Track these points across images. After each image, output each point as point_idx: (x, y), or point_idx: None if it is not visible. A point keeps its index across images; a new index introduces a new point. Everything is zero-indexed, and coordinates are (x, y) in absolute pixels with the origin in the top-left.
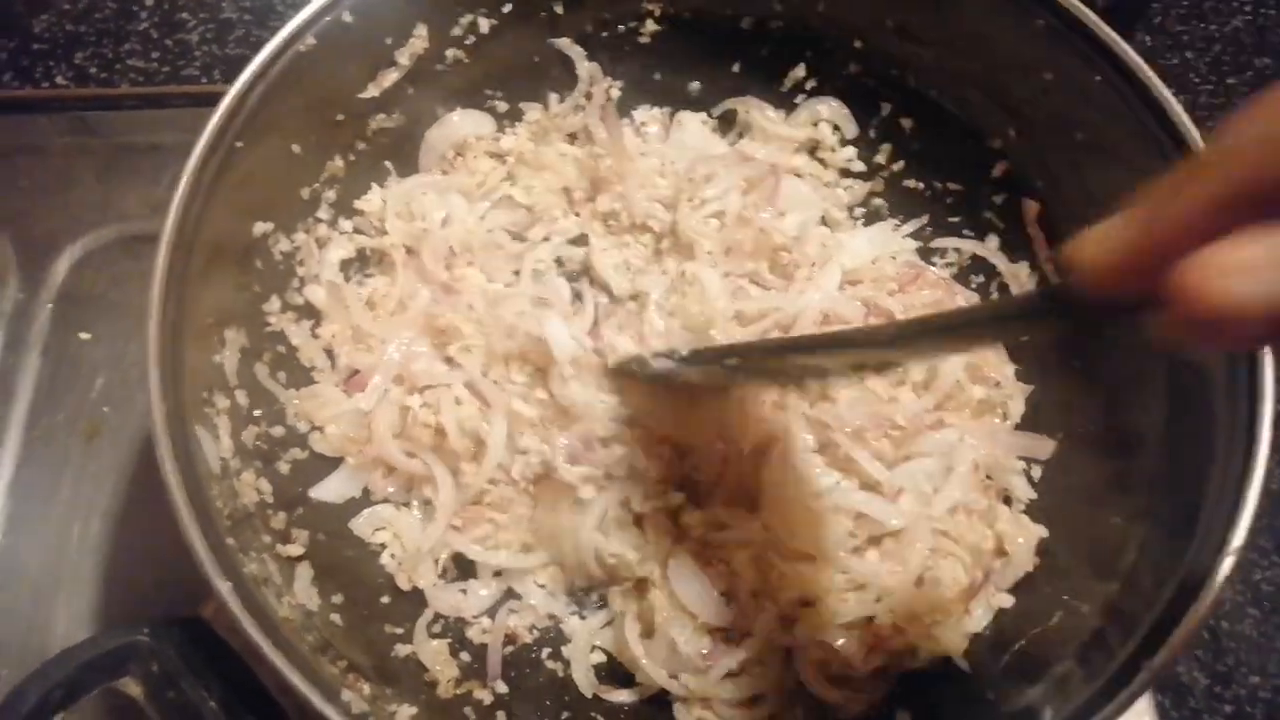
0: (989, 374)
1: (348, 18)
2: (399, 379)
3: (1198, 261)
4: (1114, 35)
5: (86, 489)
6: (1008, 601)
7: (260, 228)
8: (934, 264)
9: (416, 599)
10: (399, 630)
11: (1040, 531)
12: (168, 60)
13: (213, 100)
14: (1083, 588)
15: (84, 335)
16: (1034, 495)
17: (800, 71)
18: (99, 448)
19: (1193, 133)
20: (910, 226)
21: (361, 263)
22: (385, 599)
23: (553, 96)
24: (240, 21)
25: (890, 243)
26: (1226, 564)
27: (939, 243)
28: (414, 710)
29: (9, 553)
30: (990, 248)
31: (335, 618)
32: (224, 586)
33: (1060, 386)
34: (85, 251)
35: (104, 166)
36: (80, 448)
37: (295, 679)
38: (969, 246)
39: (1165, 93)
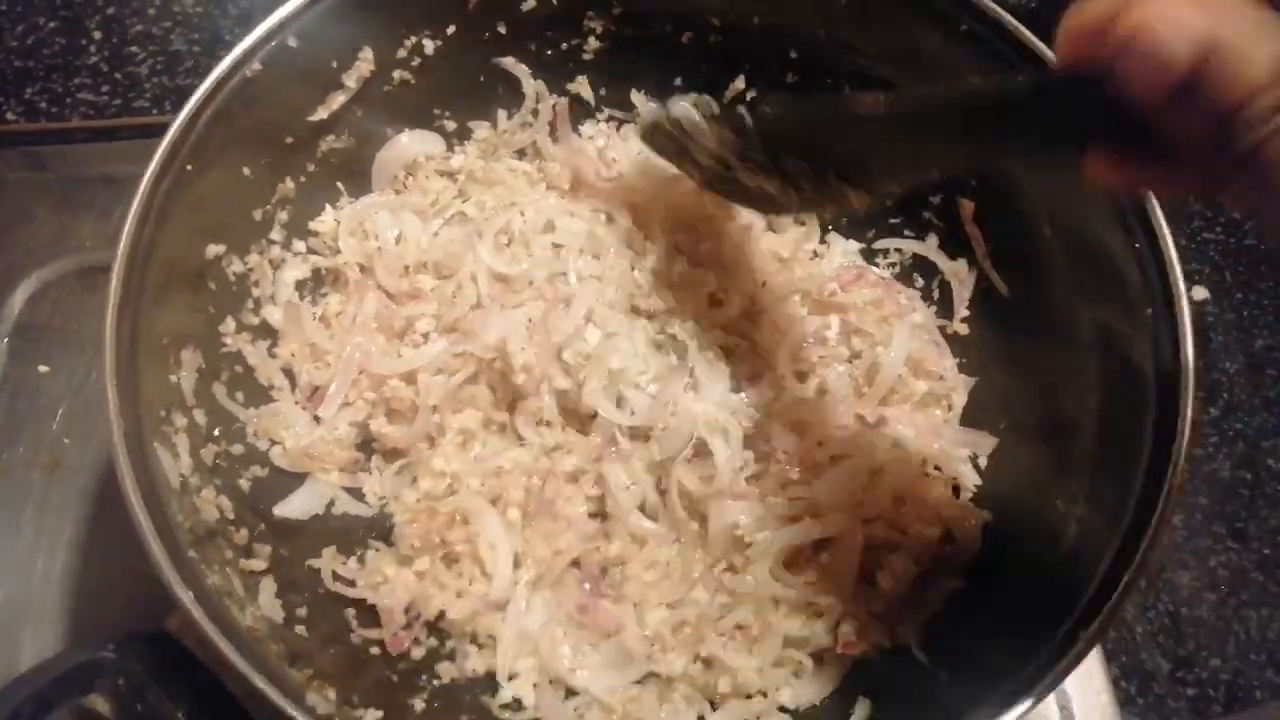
0: (930, 368)
1: (293, 42)
2: (358, 381)
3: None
4: (1032, 37)
5: (49, 520)
6: (957, 584)
7: (213, 250)
8: (877, 264)
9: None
10: (364, 638)
11: (985, 516)
12: (118, 93)
13: (164, 131)
14: (1028, 567)
15: (42, 368)
16: (980, 482)
17: (740, 83)
18: (61, 479)
19: None
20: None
21: (316, 282)
22: (350, 611)
23: (501, 114)
24: (189, 53)
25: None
26: (1152, 540)
27: (881, 243)
28: (380, 714)
29: None
30: (930, 246)
31: (300, 630)
32: (187, 596)
33: (1001, 379)
34: (41, 284)
35: (57, 200)
36: (42, 480)
37: (260, 683)
38: (910, 246)
39: None
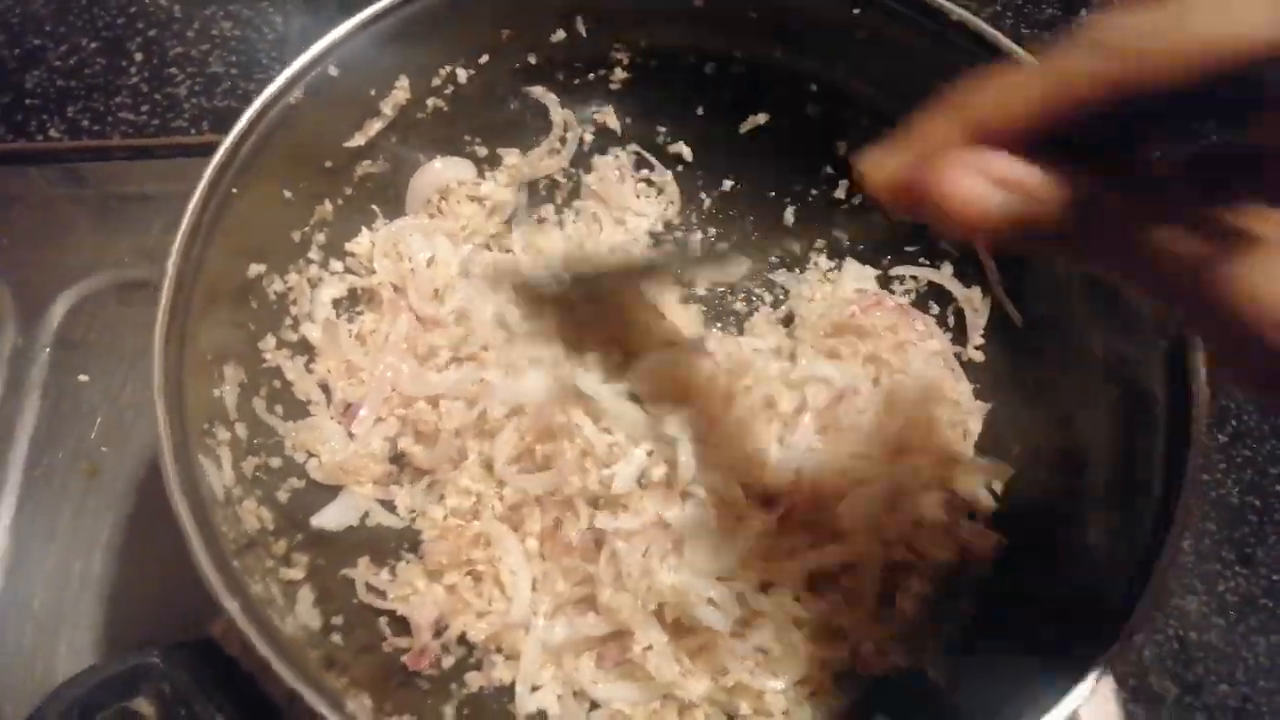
0: (946, 394)
1: (334, 71)
2: (390, 398)
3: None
4: None
5: (86, 526)
6: (971, 608)
7: (255, 269)
8: (892, 290)
9: None
10: (396, 647)
11: (999, 539)
12: (157, 113)
13: (202, 151)
14: (1040, 591)
15: (82, 377)
16: (995, 505)
17: (761, 116)
18: (98, 486)
19: None
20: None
21: (351, 300)
22: (383, 620)
23: (529, 141)
24: (227, 75)
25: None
26: (1165, 565)
27: (897, 270)
28: None
29: (11, 591)
30: (945, 274)
31: (336, 638)
32: (233, 605)
33: (1015, 405)
34: (80, 297)
35: (97, 216)
36: (80, 486)
37: (304, 689)
38: (924, 274)
39: None
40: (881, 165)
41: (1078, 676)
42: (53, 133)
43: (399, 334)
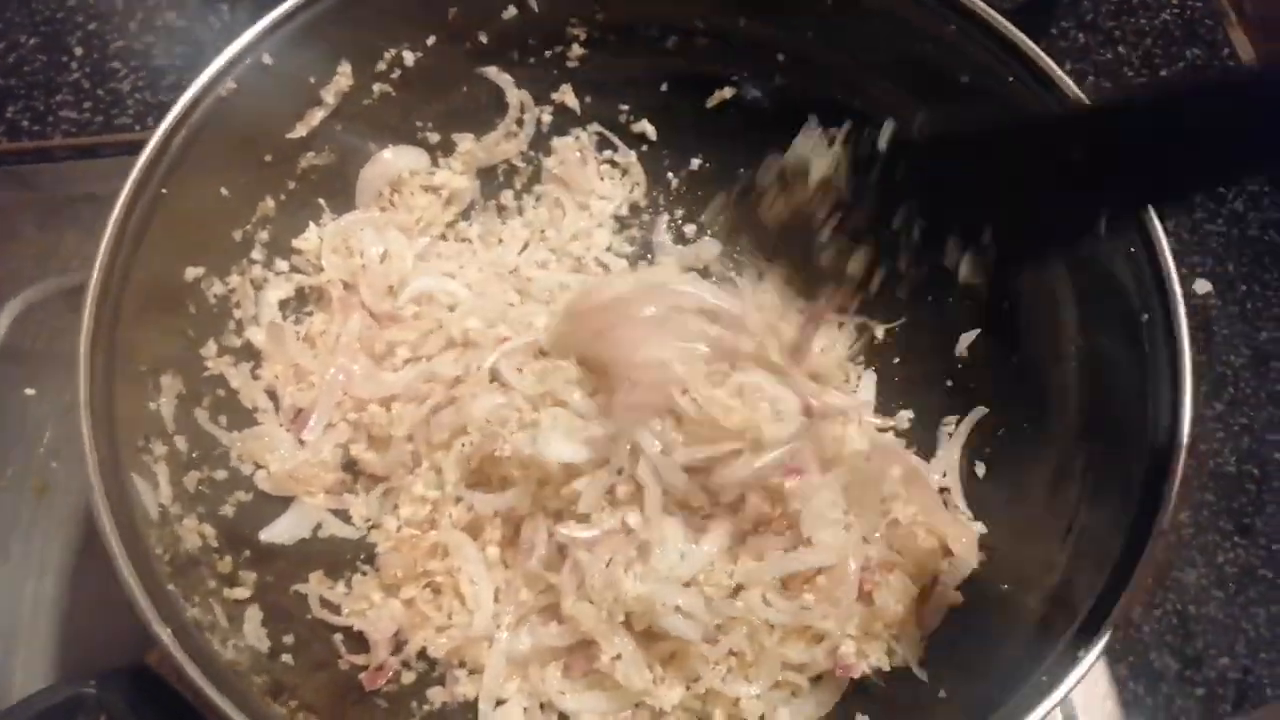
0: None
1: (267, 59)
2: (342, 402)
3: None
4: (1021, 35)
5: (38, 545)
6: (957, 599)
7: (192, 272)
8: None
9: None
10: (352, 665)
11: (980, 529)
12: (100, 110)
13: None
14: (1027, 578)
15: (29, 391)
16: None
17: (727, 89)
18: (49, 503)
19: None
20: None
21: (299, 301)
22: (338, 636)
23: (484, 125)
24: (172, 68)
25: None
26: (1155, 546)
27: None
28: None
29: None
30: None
31: (286, 659)
32: (164, 632)
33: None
34: (26, 305)
35: (41, 219)
36: (30, 504)
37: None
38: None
39: (1072, 86)
40: None
41: (1064, 671)
42: None
43: (351, 334)
